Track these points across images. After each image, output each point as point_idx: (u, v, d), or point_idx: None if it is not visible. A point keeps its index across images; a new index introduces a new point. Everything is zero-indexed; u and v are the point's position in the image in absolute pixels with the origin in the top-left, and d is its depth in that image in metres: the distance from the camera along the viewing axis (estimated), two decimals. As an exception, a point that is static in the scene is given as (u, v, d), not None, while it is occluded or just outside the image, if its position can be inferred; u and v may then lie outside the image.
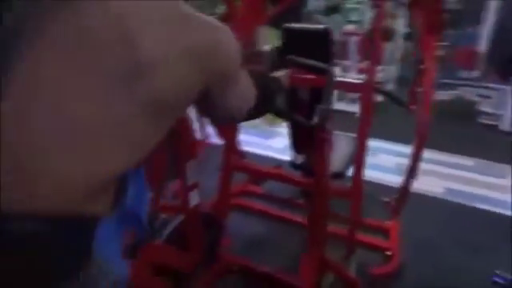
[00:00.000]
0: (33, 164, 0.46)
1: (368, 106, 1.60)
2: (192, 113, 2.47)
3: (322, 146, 1.13)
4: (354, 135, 2.13)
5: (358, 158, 1.67)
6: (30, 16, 0.49)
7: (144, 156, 0.56)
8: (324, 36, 1.74)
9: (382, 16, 1.58)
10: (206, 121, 2.92)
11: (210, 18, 0.62)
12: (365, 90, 1.59)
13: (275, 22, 2.13)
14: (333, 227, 1.94)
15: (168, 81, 0.52)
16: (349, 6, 5.71)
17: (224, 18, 2.37)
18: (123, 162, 0.54)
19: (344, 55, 4.81)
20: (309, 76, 1.29)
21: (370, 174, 2.85)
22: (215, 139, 2.62)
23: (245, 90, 0.76)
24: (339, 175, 1.95)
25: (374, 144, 3.36)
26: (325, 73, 1.23)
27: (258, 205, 2.33)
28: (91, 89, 0.48)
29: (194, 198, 1.54)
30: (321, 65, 1.25)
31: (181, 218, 1.58)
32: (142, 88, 0.50)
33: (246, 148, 2.70)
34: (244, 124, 2.65)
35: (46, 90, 0.47)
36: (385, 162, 3.10)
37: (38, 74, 0.47)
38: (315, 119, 1.09)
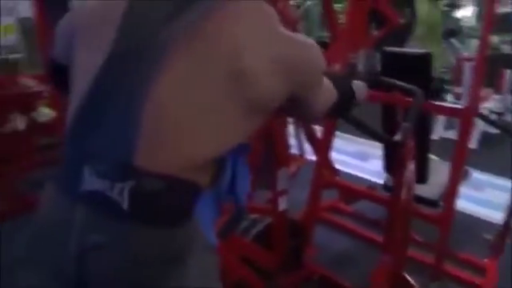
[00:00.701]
0: (169, 138, 0.66)
1: (466, 133, 1.57)
2: (289, 128, 2.63)
3: (402, 163, 1.17)
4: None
5: (451, 185, 1.62)
6: (173, 26, 0.69)
7: (236, 143, 0.73)
8: (423, 60, 1.75)
9: (487, 38, 1.54)
10: (303, 137, 3.05)
11: (300, 36, 0.77)
12: (464, 116, 1.56)
13: (382, 45, 2.17)
14: (421, 254, 1.91)
15: (263, 86, 0.69)
16: (467, 30, 5.38)
17: (329, 41, 2.50)
18: (222, 145, 0.71)
19: (459, 81, 4.53)
20: (395, 96, 1.34)
21: (475, 209, 2.69)
22: (311, 156, 2.73)
23: (325, 96, 0.89)
24: (433, 203, 1.91)
25: (482, 178, 3.12)
26: (413, 94, 1.27)
27: (346, 222, 2.37)
28: (206, 85, 0.67)
29: (283, 204, 1.67)
30: (408, 86, 1.30)
31: (268, 220, 1.72)
32: (243, 89, 0.67)
33: (340, 167, 2.76)
34: (341, 144, 2.67)
35: (179, 83, 0.67)
36: (493, 198, 2.85)
37: (177, 71, 0.67)
38: (397, 136, 1.14)
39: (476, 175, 3.02)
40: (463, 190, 2.66)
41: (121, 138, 0.67)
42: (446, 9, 6.64)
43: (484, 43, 1.56)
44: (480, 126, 3.74)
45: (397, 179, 1.20)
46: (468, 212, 2.65)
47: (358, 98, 1.06)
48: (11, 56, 4.38)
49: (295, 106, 0.82)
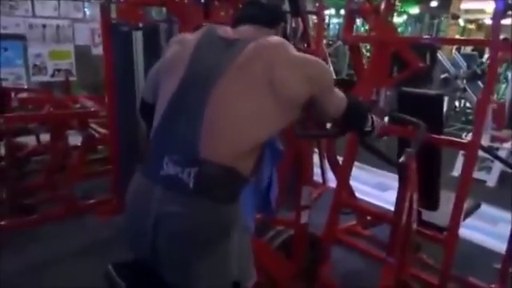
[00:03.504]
0: (222, 134, 0.95)
1: (469, 164, 1.78)
2: (315, 158, 2.86)
3: (405, 183, 1.40)
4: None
5: (455, 212, 1.82)
6: (219, 54, 1.01)
7: (271, 133, 1.02)
8: (436, 101, 2.00)
9: (492, 84, 1.76)
10: (327, 167, 3.28)
11: (312, 57, 1.07)
12: (468, 149, 1.78)
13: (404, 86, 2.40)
14: (431, 276, 2.07)
15: (289, 88, 0.99)
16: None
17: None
18: (261, 136, 0.99)
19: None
20: (407, 129, 1.58)
21: (488, 241, 2.82)
22: (333, 184, 2.94)
23: (337, 100, 1.16)
24: (440, 228, 2.09)
25: (497, 213, 3.24)
26: (418, 127, 1.52)
27: (362, 244, 2.55)
28: (248, 92, 0.97)
29: (304, 217, 1.91)
30: (414, 120, 1.55)
31: (292, 232, 1.95)
32: (276, 91, 0.97)
33: (362, 197, 2.96)
34: (364, 175, 2.90)
35: (229, 95, 0.97)
36: (506, 232, 2.96)
37: (228, 85, 0.97)
38: (401, 159, 1.37)
39: (491, 210, 3.16)
40: (477, 223, 2.85)
41: (189, 137, 0.97)
42: (473, 53, 6.86)
43: (489, 87, 1.79)
44: (500, 166, 3.88)
45: (400, 197, 1.43)
46: (481, 243, 2.81)
47: (375, 127, 1.31)
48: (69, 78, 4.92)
49: (314, 107, 1.10)
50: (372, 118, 1.29)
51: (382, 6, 2.08)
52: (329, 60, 5.67)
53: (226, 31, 1.09)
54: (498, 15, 1.67)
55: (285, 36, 1.18)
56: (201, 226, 0.95)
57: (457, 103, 6.76)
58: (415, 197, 1.42)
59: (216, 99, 0.96)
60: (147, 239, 0.98)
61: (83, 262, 2.33)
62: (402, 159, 1.36)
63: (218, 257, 0.97)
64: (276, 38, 1.06)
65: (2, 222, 2.63)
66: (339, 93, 1.17)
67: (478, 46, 6.82)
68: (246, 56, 0.99)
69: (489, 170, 4.03)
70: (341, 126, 1.35)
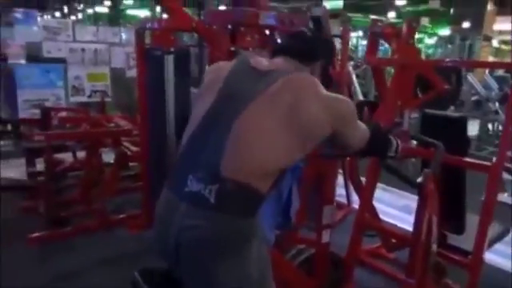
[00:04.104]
0: (242, 155, 1.02)
1: (493, 188, 1.77)
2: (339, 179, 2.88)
3: (424, 203, 1.41)
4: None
5: (479, 236, 1.80)
6: (248, 82, 1.10)
7: (290, 162, 1.07)
8: (459, 123, 2.00)
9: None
10: (351, 188, 3.28)
11: (339, 95, 1.14)
12: (491, 172, 1.77)
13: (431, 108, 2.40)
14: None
15: (313, 121, 1.05)
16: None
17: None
18: (282, 163, 1.06)
19: None
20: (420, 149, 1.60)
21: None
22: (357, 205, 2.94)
23: (360, 134, 1.21)
24: (466, 252, 2.06)
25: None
26: (436, 148, 1.54)
27: (385, 267, 2.52)
28: (274, 121, 1.03)
29: (326, 236, 1.93)
30: (432, 141, 1.57)
31: (313, 250, 1.98)
32: (299, 122, 1.04)
33: (387, 219, 2.93)
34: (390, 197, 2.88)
35: (252, 122, 1.04)
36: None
37: (253, 112, 1.05)
38: (420, 179, 1.40)
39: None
40: (506, 248, 2.75)
41: (213, 157, 1.05)
42: (505, 74, 6.71)
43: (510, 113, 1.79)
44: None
45: (418, 217, 1.44)
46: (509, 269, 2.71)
47: (394, 148, 1.35)
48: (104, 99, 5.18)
49: (337, 141, 1.16)
50: (397, 142, 1.32)
51: (404, 30, 2.13)
52: (355, 82, 5.71)
53: (259, 62, 1.17)
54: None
55: (325, 74, 1.25)
56: (220, 235, 1.02)
57: (490, 126, 6.59)
58: (435, 218, 1.43)
59: (242, 124, 1.04)
60: (171, 248, 1.05)
61: (112, 272, 2.43)
62: (419, 180, 1.39)
63: (237, 262, 1.03)
64: (308, 76, 1.14)
65: (38, 234, 2.78)
66: (361, 126, 1.23)
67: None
68: (277, 87, 1.07)
69: (522, 194, 3.89)
70: (364, 152, 1.37)
